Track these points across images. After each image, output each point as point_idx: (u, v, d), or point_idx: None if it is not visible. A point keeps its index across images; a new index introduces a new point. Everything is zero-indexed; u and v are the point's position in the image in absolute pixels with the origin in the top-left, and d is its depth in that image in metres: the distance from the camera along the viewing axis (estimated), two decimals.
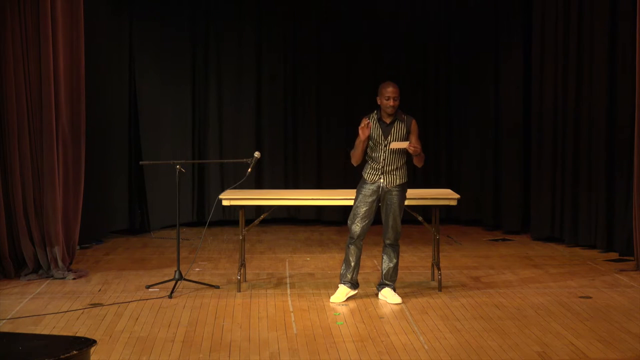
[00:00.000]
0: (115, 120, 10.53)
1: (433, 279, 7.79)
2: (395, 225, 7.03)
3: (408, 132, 7.00)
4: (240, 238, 7.68)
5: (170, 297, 7.19)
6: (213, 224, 10.68)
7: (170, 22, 11.12)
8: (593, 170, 9.48)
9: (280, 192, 8.57)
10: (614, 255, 9.04)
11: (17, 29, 7.84)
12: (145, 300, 7.11)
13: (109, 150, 10.34)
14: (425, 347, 5.78)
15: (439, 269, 7.57)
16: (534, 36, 10.25)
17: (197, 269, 8.39)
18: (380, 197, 7.02)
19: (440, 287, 7.45)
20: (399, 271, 7.35)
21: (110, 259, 9.07)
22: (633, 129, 8.42)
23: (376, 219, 7.10)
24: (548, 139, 10.06)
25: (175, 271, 7.50)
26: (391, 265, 7.11)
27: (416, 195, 7.45)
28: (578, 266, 8.59)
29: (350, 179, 9.77)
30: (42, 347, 4.00)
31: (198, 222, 11.32)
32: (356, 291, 7.18)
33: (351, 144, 7.14)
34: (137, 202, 10.88)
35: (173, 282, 7.43)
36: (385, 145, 6.95)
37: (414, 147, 6.87)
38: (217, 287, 7.56)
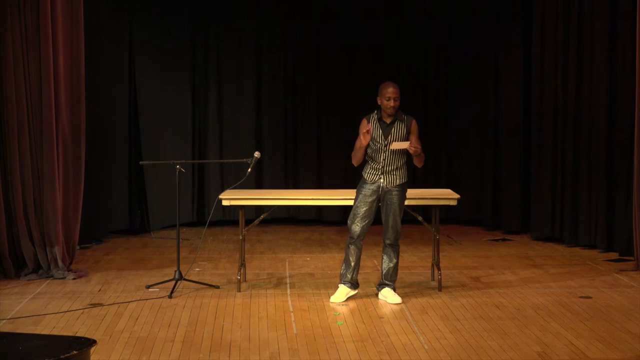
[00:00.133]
0: (115, 120, 10.53)
1: (433, 279, 7.80)
2: (395, 225, 7.03)
3: (408, 132, 7.00)
4: (240, 238, 7.68)
5: (170, 297, 7.19)
6: (213, 224, 10.68)
7: (170, 22, 11.12)
8: (593, 170, 9.48)
9: (280, 192, 8.57)
10: (614, 255, 9.04)
11: (17, 29, 7.84)
12: (145, 300, 7.11)
13: (109, 150, 10.34)
14: (425, 347, 5.78)
15: (439, 269, 7.57)
16: (534, 36, 10.25)
17: (197, 269, 8.39)
18: (380, 197, 7.02)
19: (440, 287, 7.45)
20: (399, 271, 7.35)
21: (110, 259, 9.07)
22: (633, 129, 8.42)
23: (376, 219, 7.10)
24: (548, 139, 10.06)
25: (175, 271, 7.51)
26: (391, 265, 7.12)
27: (416, 195, 7.45)
28: (578, 266, 8.59)
29: (350, 179, 9.81)
30: (42, 347, 4.00)
31: (198, 222, 11.32)
32: (356, 291, 7.18)
33: (351, 147, 7.14)
34: (137, 202, 10.88)
35: (173, 282, 7.43)
36: (386, 146, 6.95)
37: (414, 147, 6.87)
38: (217, 287, 7.56)
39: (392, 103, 6.90)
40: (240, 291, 7.39)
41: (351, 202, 7.14)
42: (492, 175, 11.08)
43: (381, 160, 6.97)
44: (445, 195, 7.58)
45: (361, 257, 7.18)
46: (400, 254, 7.38)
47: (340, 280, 7.16)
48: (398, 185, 7.01)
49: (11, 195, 7.93)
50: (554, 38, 9.89)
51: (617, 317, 6.53)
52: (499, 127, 10.98)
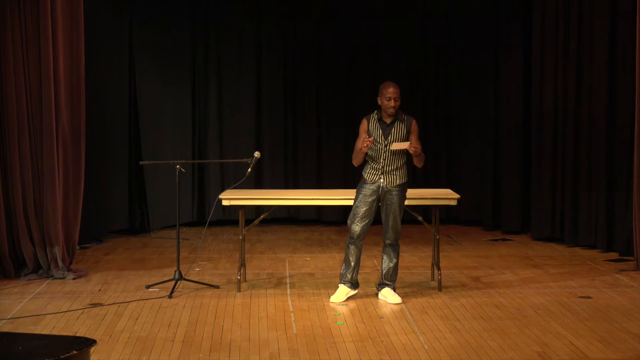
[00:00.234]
0: (115, 120, 10.53)
1: (433, 279, 7.79)
2: (395, 225, 7.03)
3: (408, 132, 7.00)
4: (240, 238, 7.68)
5: (170, 297, 7.19)
6: (213, 224, 10.68)
7: (170, 22, 11.12)
8: (593, 170, 9.48)
9: (280, 192, 8.57)
10: (614, 255, 9.04)
11: (17, 29, 7.84)
12: (145, 300, 7.11)
13: (109, 150, 10.35)
14: (425, 347, 5.78)
15: (439, 269, 7.57)
16: (534, 36, 10.25)
17: (197, 269, 8.39)
18: (380, 197, 7.02)
19: (440, 287, 7.45)
20: (399, 271, 7.35)
21: (110, 259, 9.07)
22: (633, 129, 8.42)
23: (376, 219, 7.10)
24: (548, 139, 10.06)
25: (175, 271, 7.51)
26: (391, 265, 7.11)
27: (416, 195, 7.45)
28: (578, 266, 8.59)
29: (350, 179, 9.81)
30: (42, 347, 4.00)
31: (198, 222, 11.32)
32: (356, 291, 7.18)
33: (351, 147, 7.15)
34: (137, 202, 10.88)
35: (173, 282, 7.43)
36: (386, 146, 6.95)
37: (414, 147, 6.87)
38: (217, 287, 7.56)
39: (392, 103, 6.90)
40: (240, 291, 7.39)
41: (351, 202, 7.14)
42: (492, 175, 11.08)
43: (381, 160, 6.97)
44: (445, 195, 7.58)
45: (361, 257, 7.18)
46: (400, 254, 7.38)
47: (340, 280, 7.16)
48: (398, 185, 7.01)
49: (11, 195, 7.93)
50: (554, 38, 9.89)
51: (617, 317, 6.53)
52: (499, 127, 10.97)
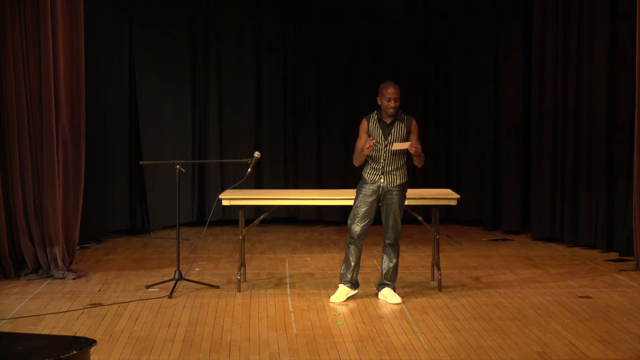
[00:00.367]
0: (115, 120, 10.54)
1: (433, 279, 7.79)
2: (395, 225, 7.03)
3: (408, 132, 7.00)
4: (240, 238, 7.68)
5: (170, 297, 7.19)
6: (213, 224, 10.68)
7: (170, 22, 11.12)
8: (593, 170, 9.48)
9: (280, 192, 8.57)
10: (614, 255, 9.04)
11: (17, 29, 7.84)
12: (145, 300, 7.11)
13: (109, 150, 10.35)
14: (425, 347, 5.78)
15: (439, 269, 7.57)
16: (534, 36, 10.25)
17: (197, 269, 8.39)
18: (381, 197, 7.02)
19: (440, 287, 7.45)
20: (399, 271, 7.35)
21: (110, 259, 9.07)
22: (633, 129, 8.42)
23: (376, 219, 7.10)
24: (548, 139, 10.06)
25: (175, 271, 7.50)
26: (391, 265, 7.11)
27: (416, 195, 7.45)
28: (578, 266, 8.59)
29: (350, 179, 9.82)
30: (42, 347, 4.00)
31: (198, 222, 11.32)
32: (356, 291, 7.18)
33: (351, 147, 7.15)
34: (137, 202, 10.88)
35: (173, 282, 7.43)
36: (386, 146, 6.95)
37: (415, 147, 6.87)
38: (217, 287, 7.56)
39: (392, 104, 6.90)
40: (240, 291, 7.39)
41: (351, 202, 7.14)
42: (492, 175, 11.08)
43: (381, 160, 6.97)
44: (445, 195, 7.58)
45: (361, 257, 7.18)
46: (400, 254, 7.38)
47: (340, 280, 7.16)
48: (398, 185, 7.01)
49: (11, 195, 7.93)
50: (554, 38, 9.89)
51: (617, 317, 6.53)
52: (499, 127, 10.97)
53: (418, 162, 7.07)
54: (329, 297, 7.12)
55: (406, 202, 7.14)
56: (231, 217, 11.10)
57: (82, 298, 7.20)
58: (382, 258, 7.17)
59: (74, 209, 8.24)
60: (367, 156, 7.01)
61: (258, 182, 11.35)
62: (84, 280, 7.91)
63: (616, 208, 9.18)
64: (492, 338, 5.98)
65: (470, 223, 11.27)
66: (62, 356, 3.81)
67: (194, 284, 7.60)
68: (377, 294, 7.19)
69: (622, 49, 8.99)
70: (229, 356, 5.61)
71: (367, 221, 7.02)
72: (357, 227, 7.00)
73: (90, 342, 4.04)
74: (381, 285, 7.16)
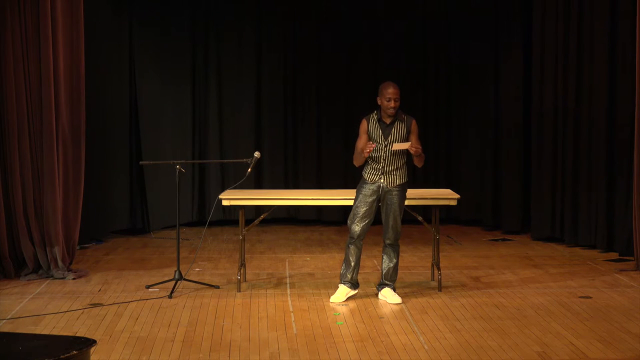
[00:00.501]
0: (115, 120, 10.54)
1: (433, 279, 7.79)
2: (395, 225, 7.03)
3: (408, 132, 7.00)
4: (240, 238, 7.68)
5: (170, 297, 7.19)
6: (213, 224, 10.68)
7: (170, 22, 11.12)
8: (593, 170, 9.48)
9: (280, 192, 8.57)
10: (614, 255, 9.04)
11: (17, 29, 7.84)
12: (145, 300, 7.11)
13: (109, 150, 10.35)
14: (425, 347, 5.78)
15: (439, 269, 7.57)
16: (534, 36, 10.25)
17: (197, 269, 8.39)
18: (380, 197, 7.02)
19: (440, 287, 7.45)
20: (399, 271, 7.35)
21: (110, 259, 9.08)
22: (633, 129, 8.42)
23: (376, 219, 7.10)
24: (548, 139, 10.06)
25: (175, 271, 7.51)
26: (391, 265, 7.11)
27: (416, 195, 7.45)
28: (578, 266, 8.59)
29: (350, 179, 9.82)
30: (42, 347, 4.00)
31: (198, 222, 11.32)
32: (356, 291, 7.18)
33: (351, 147, 7.15)
34: (137, 202, 10.87)
35: (173, 282, 7.43)
36: (386, 146, 6.95)
37: (415, 147, 6.87)
38: (217, 287, 7.56)
39: (392, 104, 6.90)
40: (240, 291, 7.39)
41: (351, 202, 7.14)
42: (492, 175, 11.08)
43: (381, 160, 6.97)
44: (445, 195, 7.58)
45: (361, 257, 7.18)
46: (400, 254, 7.38)
47: (340, 280, 7.16)
48: (398, 185, 7.01)
49: (11, 195, 7.93)
50: (554, 38, 9.89)
51: (617, 317, 6.53)
52: (499, 127, 10.97)
53: (418, 162, 7.07)
54: (329, 297, 7.12)
55: (406, 202, 7.14)
56: (231, 217, 11.10)
57: (82, 298, 7.20)
58: (382, 258, 7.17)
59: (74, 209, 8.24)
60: (367, 156, 7.01)
61: (258, 182, 11.35)
62: (84, 280, 7.91)
63: (616, 208, 9.18)
64: (492, 338, 5.98)
65: (470, 223, 11.27)
66: (62, 356, 3.81)
67: (194, 284, 7.60)
68: (377, 294, 7.19)
69: (622, 49, 8.99)
70: (229, 356, 5.62)
71: (367, 221, 7.02)
72: (357, 227, 7.00)
73: (90, 342, 4.04)
74: (381, 285, 7.16)
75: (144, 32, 10.85)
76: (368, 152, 6.86)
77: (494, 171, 11.06)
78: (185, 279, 7.54)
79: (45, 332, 6.10)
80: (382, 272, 7.18)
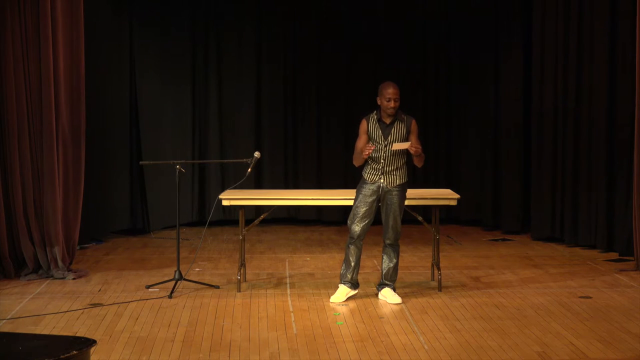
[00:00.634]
0: (115, 120, 10.54)
1: (433, 279, 7.79)
2: (395, 225, 7.03)
3: (408, 132, 7.00)
4: (240, 238, 7.68)
5: (170, 297, 7.19)
6: (213, 224, 10.68)
7: (170, 22, 11.12)
8: (593, 170, 9.48)
9: (280, 192, 8.57)
10: (614, 255, 9.04)
11: (17, 29, 7.84)
12: (145, 300, 7.11)
13: (109, 150, 10.35)
14: (425, 347, 5.78)
15: (439, 269, 7.57)
16: (534, 36, 10.25)
17: (197, 269, 8.39)
18: (380, 197, 7.02)
19: (440, 287, 7.45)
20: (399, 271, 7.36)
21: (110, 259, 9.08)
22: (633, 129, 8.42)
23: (376, 219, 7.10)
24: (548, 139, 10.06)
25: (175, 271, 7.51)
26: (391, 265, 7.11)
27: (416, 195, 7.45)
28: (578, 266, 8.59)
29: (350, 179, 9.82)
30: (42, 347, 4.00)
31: (198, 222, 11.32)
32: (356, 291, 7.18)
33: (351, 147, 7.15)
34: (137, 202, 10.87)
35: (173, 282, 7.43)
36: (385, 146, 6.95)
37: (415, 147, 6.87)
38: (217, 287, 7.56)
39: (392, 104, 6.90)
40: (240, 291, 7.39)
41: (351, 202, 7.14)
42: (492, 175, 11.08)
43: (381, 160, 6.97)
44: (445, 195, 7.58)
45: (361, 257, 7.18)
46: (400, 254, 7.38)
47: (340, 280, 7.16)
48: (398, 185, 7.01)
49: (11, 195, 7.93)
50: (554, 38, 9.89)
51: (617, 317, 6.53)
52: (499, 127, 10.97)
53: (418, 162, 7.07)
54: (329, 297, 7.12)
55: (406, 202, 7.14)
56: (231, 217, 11.10)
57: (82, 298, 7.20)
58: (382, 258, 7.17)
59: (74, 209, 8.24)
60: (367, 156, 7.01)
61: (258, 182, 11.35)
62: (84, 280, 7.91)
63: (616, 208, 9.18)
64: (492, 338, 5.98)
65: (470, 223, 11.27)
66: (62, 356, 3.81)
67: (194, 284, 7.60)
68: (377, 294, 7.19)
69: (622, 49, 8.99)
70: (229, 356, 5.62)
71: (367, 221, 7.02)
72: (357, 227, 7.00)
73: (90, 342, 4.04)
74: (381, 286, 7.16)
75: (144, 32, 10.86)
76: (367, 154, 6.87)
77: (494, 171, 11.06)
78: (185, 279, 7.54)
79: (45, 332, 6.10)
80: (382, 272, 7.18)
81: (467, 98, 11.38)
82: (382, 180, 6.98)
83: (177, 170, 7.51)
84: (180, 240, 7.80)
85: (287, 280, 7.95)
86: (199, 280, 7.71)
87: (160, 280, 7.72)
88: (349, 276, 7.10)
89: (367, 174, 7.04)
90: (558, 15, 9.81)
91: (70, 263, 8.20)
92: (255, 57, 11.48)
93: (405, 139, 6.96)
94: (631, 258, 8.56)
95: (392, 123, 6.98)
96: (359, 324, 6.37)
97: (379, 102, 6.99)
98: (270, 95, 11.56)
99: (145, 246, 9.96)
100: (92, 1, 9.01)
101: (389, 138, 6.95)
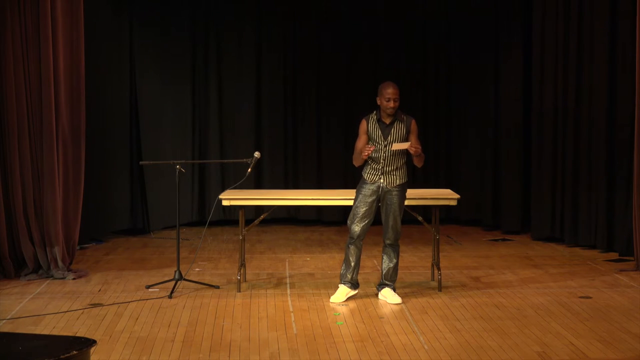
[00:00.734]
0: (115, 120, 10.54)
1: (433, 279, 7.79)
2: (395, 226, 7.03)
3: (408, 132, 7.00)
4: (240, 238, 7.68)
5: (170, 297, 7.19)
6: (213, 224, 10.68)
7: (170, 22, 11.12)
8: (593, 170, 9.48)
9: (280, 192, 8.57)
10: (614, 255, 9.04)
11: (17, 29, 7.84)
12: (145, 300, 7.11)
13: (109, 150, 10.35)
14: (425, 347, 5.78)
15: (439, 269, 7.57)
16: (534, 36, 10.25)
17: (197, 269, 8.39)
18: (380, 197, 7.02)
19: (440, 287, 7.45)
20: (399, 271, 7.35)
21: (110, 259, 9.08)
22: (633, 129, 8.42)
23: (376, 219, 7.10)
24: (548, 139, 10.06)
25: (175, 271, 7.50)
26: (391, 265, 7.11)
27: (416, 195, 7.45)
28: (578, 266, 8.59)
29: (350, 179, 9.82)
30: (42, 347, 4.00)
31: (198, 222, 11.32)
32: (356, 291, 7.18)
33: (351, 147, 7.15)
34: (137, 202, 10.87)
35: (173, 282, 7.43)
36: (385, 146, 6.95)
37: (414, 147, 6.87)
38: (217, 287, 7.56)
39: (391, 104, 6.90)
40: (240, 291, 7.39)
41: (351, 202, 7.14)
42: (492, 175, 11.07)
43: (381, 160, 6.97)
44: (445, 195, 7.58)
45: (361, 257, 7.18)
46: (400, 254, 7.38)
47: (340, 280, 7.16)
48: (398, 185, 7.01)
49: (11, 195, 7.93)
50: (554, 38, 9.89)
51: (617, 317, 6.53)
52: (499, 127, 10.97)
53: (418, 162, 7.07)
54: (329, 297, 7.12)
55: (406, 202, 7.14)
56: (231, 217, 11.10)
57: (82, 298, 7.20)
58: (382, 258, 7.17)
59: (74, 209, 8.24)
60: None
61: (258, 182, 11.35)
62: (84, 281, 7.91)
63: (616, 208, 9.18)
64: (492, 338, 5.98)
65: (470, 223, 11.27)
66: (62, 356, 3.81)
67: (194, 284, 7.60)
68: (377, 294, 7.19)
69: (622, 49, 8.99)
70: (229, 356, 5.62)
71: (366, 221, 7.02)
72: (356, 228, 7.00)
73: (90, 342, 4.04)
74: (381, 286, 7.16)
75: (144, 32, 10.86)
76: (367, 155, 6.87)
77: (494, 171, 11.06)
78: (185, 279, 7.54)
79: (45, 332, 6.10)
80: (382, 272, 7.18)
81: (467, 98, 11.37)
82: (381, 181, 6.98)
83: (177, 170, 7.51)
84: (180, 240, 7.80)
85: (287, 280, 7.95)
86: (199, 280, 7.71)
87: (160, 280, 7.72)
88: (349, 276, 7.10)
89: (367, 174, 7.04)
90: (558, 15, 9.81)
91: (70, 263, 8.20)
92: (255, 57, 11.48)
93: (405, 139, 6.96)
94: (631, 258, 8.56)
95: (391, 123, 6.98)
96: (359, 324, 6.37)
97: (378, 102, 6.99)
98: (270, 95, 11.56)
99: (145, 246, 9.96)
100: (92, 1, 9.01)
101: (389, 138, 6.95)
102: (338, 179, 11.10)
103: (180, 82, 11.27)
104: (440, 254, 7.82)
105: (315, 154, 11.59)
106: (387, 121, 6.98)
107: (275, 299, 7.15)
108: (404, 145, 6.88)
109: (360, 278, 7.28)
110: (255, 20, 11.46)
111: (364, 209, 6.99)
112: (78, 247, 8.74)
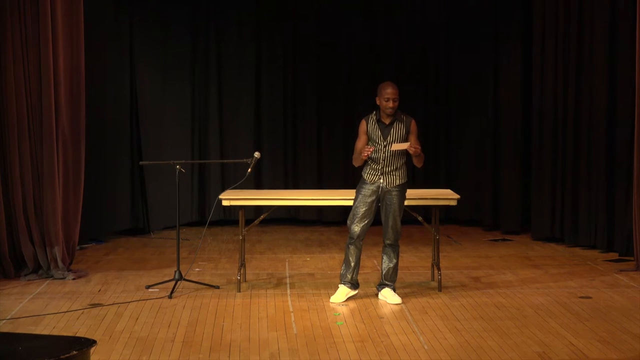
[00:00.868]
0: (116, 120, 10.53)
1: (433, 279, 7.80)
2: (395, 226, 7.03)
3: (407, 133, 7.00)
4: (240, 238, 7.68)
5: (170, 297, 7.19)
6: (213, 224, 10.68)
7: (171, 22, 11.12)
8: (593, 170, 9.48)
9: (280, 192, 8.57)
10: (614, 255, 9.04)
11: (17, 29, 7.84)
12: (145, 300, 7.11)
13: (109, 150, 10.34)
14: (425, 347, 5.78)
15: (439, 269, 7.57)
16: (534, 36, 10.25)
17: (197, 269, 8.39)
18: (380, 197, 7.02)
19: (440, 287, 7.45)
20: (399, 271, 7.35)
21: (110, 259, 9.08)
22: (633, 129, 8.42)
23: (376, 219, 7.10)
24: (548, 139, 10.06)
25: (175, 271, 7.50)
26: (391, 265, 7.11)
27: (416, 195, 7.45)
28: (578, 266, 8.59)
29: (350, 179, 9.81)
30: (42, 347, 4.01)
31: (198, 222, 11.32)
32: (356, 291, 7.18)
33: (351, 147, 7.15)
34: (137, 202, 10.87)
35: (173, 282, 7.43)
36: (385, 146, 6.95)
37: (414, 147, 6.87)
38: (217, 287, 7.56)
39: (391, 104, 6.90)
40: (240, 291, 7.39)
41: (351, 202, 7.14)
42: (492, 175, 11.07)
43: (380, 160, 6.97)
44: (445, 196, 7.58)
45: (361, 257, 7.18)
46: (400, 254, 7.38)
47: (340, 280, 7.16)
48: (398, 185, 7.01)
49: (11, 195, 7.93)
50: (554, 38, 9.89)
51: (617, 317, 6.53)
52: (499, 127, 10.97)
53: (418, 163, 7.07)
54: (329, 297, 7.12)
55: (406, 202, 7.14)
56: (231, 217, 11.10)
57: (82, 298, 7.20)
58: (382, 258, 7.17)
59: (74, 209, 8.24)
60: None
61: (258, 182, 11.35)
62: (84, 281, 7.91)
63: (616, 208, 9.18)
64: (492, 338, 5.98)
65: (470, 223, 11.27)
66: (62, 356, 3.81)
67: (194, 284, 7.60)
68: (377, 294, 7.19)
69: (622, 49, 8.98)
70: (229, 356, 5.62)
71: (366, 221, 7.02)
72: (356, 228, 7.00)
73: (90, 342, 4.04)
74: (381, 286, 7.16)
75: (145, 31, 10.86)
76: (366, 155, 6.87)
77: (493, 171, 11.06)
78: (185, 279, 7.53)
79: (45, 332, 6.10)
80: (382, 272, 7.18)
81: (467, 98, 11.37)
82: (381, 181, 6.98)
83: (177, 170, 7.51)
84: (180, 240, 7.80)
85: (287, 281, 7.95)
86: (199, 281, 7.71)
87: (160, 281, 7.72)
88: (349, 276, 7.10)
89: (367, 174, 7.04)
90: (558, 15, 9.81)
91: (70, 263, 8.20)
92: (255, 57, 11.48)
93: (405, 139, 6.96)
94: (631, 258, 8.56)
95: (391, 123, 6.98)
96: (359, 324, 6.37)
97: (378, 102, 6.99)
98: (270, 95, 11.56)
99: (145, 246, 9.96)
100: (92, 1, 9.01)
101: (389, 138, 6.95)
102: (338, 179, 11.10)
103: (180, 82, 11.27)
104: (440, 254, 7.82)
105: (315, 154, 11.58)
106: (387, 121, 6.98)
107: (275, 299, 7.15)
108: (404, 146, 6.88)
109: (360, 278, 7.28)
110: (255, 20, 11.46)
111: (364, 209, 6.99)
112: (78, 247, 8.74)
